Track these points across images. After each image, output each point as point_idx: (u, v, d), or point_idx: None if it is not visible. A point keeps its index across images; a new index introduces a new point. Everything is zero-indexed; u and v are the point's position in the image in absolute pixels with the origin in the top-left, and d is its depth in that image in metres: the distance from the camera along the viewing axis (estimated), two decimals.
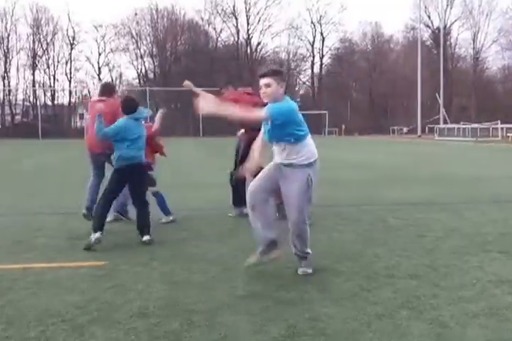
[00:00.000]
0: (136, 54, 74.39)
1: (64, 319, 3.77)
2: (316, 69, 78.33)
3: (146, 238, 6.20)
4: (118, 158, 6.28)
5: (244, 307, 3.98)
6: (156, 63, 74.65)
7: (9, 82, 71.01)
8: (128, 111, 6.35)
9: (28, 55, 71.38)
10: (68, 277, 4.82)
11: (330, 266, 5.14)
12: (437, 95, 58.59)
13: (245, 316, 3.79)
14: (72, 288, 4.51)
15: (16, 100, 71.22)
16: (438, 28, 69.68)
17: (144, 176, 6.56)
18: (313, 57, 77.54)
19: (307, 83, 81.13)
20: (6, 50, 70.26)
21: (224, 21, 75.86)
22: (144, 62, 74.70)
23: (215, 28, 76.15)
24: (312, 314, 3.83)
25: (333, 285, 4.51)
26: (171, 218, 7.45)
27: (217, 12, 75.23)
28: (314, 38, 76.86)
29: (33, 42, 71.14)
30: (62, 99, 73.51)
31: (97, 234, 5.97)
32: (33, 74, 71.35)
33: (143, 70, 75.22)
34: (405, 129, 65.18)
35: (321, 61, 78.02)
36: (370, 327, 3.59)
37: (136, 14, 73.11)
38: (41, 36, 71.66)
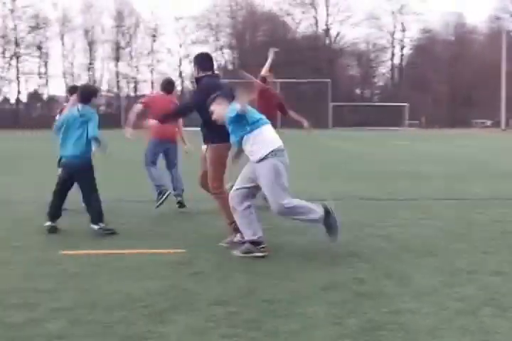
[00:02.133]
0: (215, 46, 75.28)
1: (146, 304, 3.86)
2: (396, 60, 76.78)
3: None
4: None
5: (324, 298, 3.96)
6: (235, 55, 75.24)
7: (94, 74, 73.49)
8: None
9: (111, 47, 73.62)
10: (150, 264, 4.94)
11: (410, 260, 5.03)
12: None
13: (325, 307, 3.76)
14: (154, 274, 4.62)
15: (100, 91, 73.53)
16: None
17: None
18: (394, 47, 76.00)
19: (387, 74, 79.62)
20: (90, 42, 72.66)
21: (303, 12, 75.50)
22: (223, 54, 75.50)
23: (293, 19, 75.94)
24: (392, 308, 3.76)
25: (414, 280, 4.42)
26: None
27: (296, 3, 74.93)
28: (395, 28, 75.33)
29: (117, 34, 73.23)
30: (145, 89, 75.45)
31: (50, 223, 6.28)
32: (117, 66, 73.57)
33: (222, 62, 76.00)
34: (488, 122, 62.93)
35: (402, 52, 76.39)
36: (452, 324, 3.49)
37: (215, 6, 73.89)
38: (124, 28, 73.65)
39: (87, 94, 6.45)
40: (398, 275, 4.56)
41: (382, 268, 4.76)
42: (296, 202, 5.16)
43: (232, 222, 5.60)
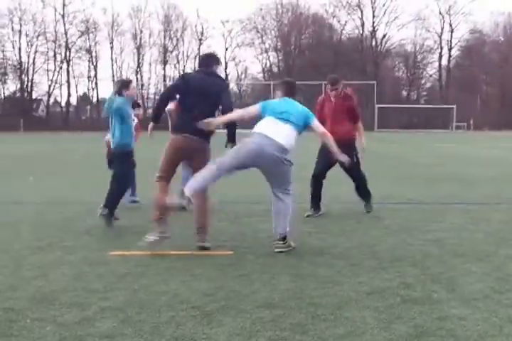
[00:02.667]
0: (261, 48, 75.72)
1: (193, 305, 3.91)
2: (444, 62, 75.56)
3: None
4: None
5: (371, 303, 3.93)
6: (280, 57, 75.46)
7: (142, 77, 74.86)
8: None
9: (159, 51, 74.84)
10: (197, 265, 5.00)
11: (459, 265, 4.95)
12: None
13: (371, 312, 3.74)
14: (201, 275, 4.67)
15: (147, 94, 74.87)
16: None
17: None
18: (441, 49, 74.88)
19: (434, 76, 78.43)
20: (139, 46, 74.12)
21: (349, 14, 75.22)
22: (269, 57, 75.83)
23: (339, 21, 75.72)
24: (440, 314, 3.71)
25: (463, 286, 4.34)
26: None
27: (342, 5, 74.63)
28: (442, 29, 74.31)
29: (164, 38, 74.47)
30: None
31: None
32: (164, 69, 74.78)
33: (267, 64, 76.36)
34: None
35: (450, 53, 75.14)
36: (502, 331, 3.42)
37: (261, 9, 74.26)
38: (171, 32, 74.83)
39: (118, 86, 7.06)
40: (447, 280, 4.49)
41: (430, 273, 4.69)
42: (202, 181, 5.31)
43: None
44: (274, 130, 5.40)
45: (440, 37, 74.71)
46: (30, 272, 4.79)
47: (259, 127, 5.50)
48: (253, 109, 5.76)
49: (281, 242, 5.50)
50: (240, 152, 5.39)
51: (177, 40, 75.14)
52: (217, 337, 3.35)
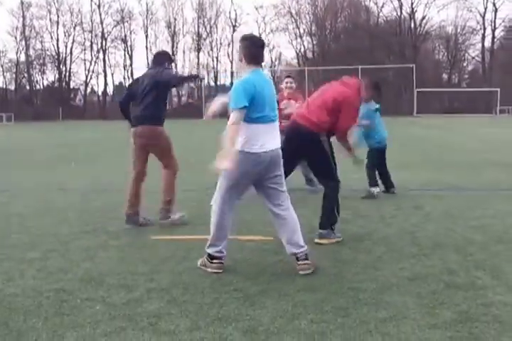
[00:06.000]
0: (295, 33, 75.08)
1: (236, 288, 3.99)
2: (487, 43, 73.51)
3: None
4: None
5: (413, 288, 3.94)
6: (315, 42, 74.69)
7: (176, 65, 75.28)
8: None
9: (192, 38, 75.08)
10: (238, 249, 5.06)
11: (504, 252, 4.89)
12: None
13: (414, 298, 3.75)
14: (242, 260, 4.74)
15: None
16: None
17: None
18: (484, 30, 72.80)
19: (477, 58, 76.57)
20: (173, 34, 74.53)
21: None
22: (303, 42, 75.10)
23: (376, 3, 74.46)
24: (485, 300, 3.69)
25: (508, 273, 4.29)
26: None
27: None
28: (485, 9, 71.97)
29: (198, 25, 74.63)
30: (225, 79, 76.42)
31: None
32: (198, 57, 75.03)
33: (302, 50, 75.70)
34: None
35: (493, 34, 72.97)
36: None
37: None
38: (205, 19, 74.96)
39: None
40: (491, 267, 4.45)
41: (473, 260, 4.66)
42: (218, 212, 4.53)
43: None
44: None
45: (483, 17, 72.70)
46: (78, 255, 4.94)
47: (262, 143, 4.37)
48: None
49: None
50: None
51: (210, 27, 75.25)
52: (260, 318, 3.42)
